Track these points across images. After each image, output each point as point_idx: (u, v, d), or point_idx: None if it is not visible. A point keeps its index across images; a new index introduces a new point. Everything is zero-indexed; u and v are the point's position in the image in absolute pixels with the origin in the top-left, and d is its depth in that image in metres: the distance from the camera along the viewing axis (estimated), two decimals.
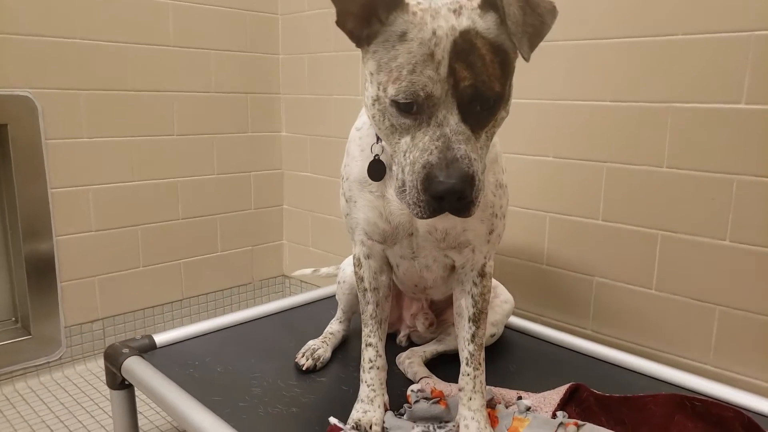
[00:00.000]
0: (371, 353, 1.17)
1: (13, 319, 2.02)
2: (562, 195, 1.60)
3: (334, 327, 1.52)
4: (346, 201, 1.09)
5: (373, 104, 0.84)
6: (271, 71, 2.40)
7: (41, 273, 1.92)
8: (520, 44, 0.77)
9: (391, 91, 0.78)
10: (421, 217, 0.80)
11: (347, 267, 1.46)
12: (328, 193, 2.30)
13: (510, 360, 1.44)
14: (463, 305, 1.10)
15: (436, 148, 0.76)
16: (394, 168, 0.85)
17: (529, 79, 1.61)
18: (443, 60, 0.76)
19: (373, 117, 0.85)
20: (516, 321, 1.63)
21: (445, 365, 1.37)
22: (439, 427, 1.13)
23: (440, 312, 1.45)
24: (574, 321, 1.64)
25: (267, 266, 2.53)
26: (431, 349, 1.43)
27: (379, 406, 1.15)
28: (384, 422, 1.14)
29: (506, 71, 0.81)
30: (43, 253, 1.91)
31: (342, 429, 1.04)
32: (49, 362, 1.96)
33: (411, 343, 1.50)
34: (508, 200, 1.08)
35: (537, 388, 1.25)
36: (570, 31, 1.51)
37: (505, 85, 0.81)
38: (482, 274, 1.09)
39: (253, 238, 2.46)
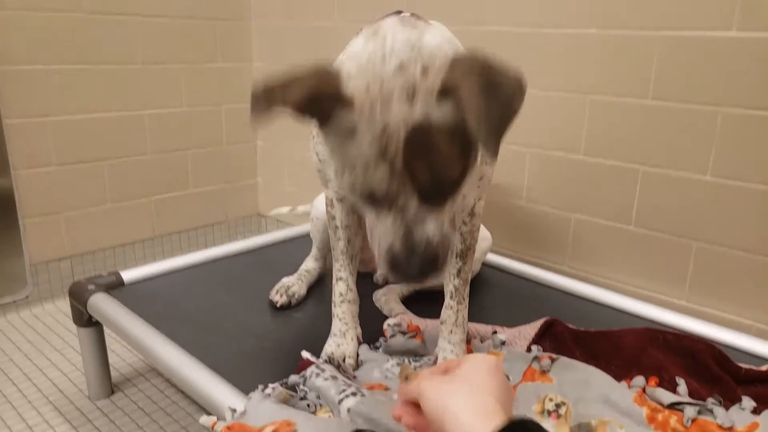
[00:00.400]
0: (342, 287, 1.15)
1: None
2: (544, 130, 1.56)
3: (310, 264, 1.49)
4: (319, 159, 1.06)
5: (336, 174, 0.79)
6: None
7: (1, 208, 1.84)
8: (485, 143, 0.69)
9: (349, 178, 0.75)
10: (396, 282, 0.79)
11: (320, 204, 1.42)
12: (305, 129, 2.21)
13: (486, 296, 1.44)
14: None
15: (395, 234, 0.75)
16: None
17: (504, 5, 1.53)
18: (397, 155, 0.70)
19: (344, 190, 0.80)
20: (493, 258, 1.62)
21: (422, 302, 1.36)
22: (414, 360, 1.12)
23: None
24: (551, 258, 1.63)
25: (241, 204, 2.47)
26: (408, 286, 1.41)
27: (352, 339, 1.14)
28: (359, 355, 1.13)
29: (467, 150, 0.75)
30: (1, 187, 1.83)
31: (315, 363, 1.03)
32: (15, 301, 1.91)
33: (388, 282, 1.48)
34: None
35: (512, 323, 1.25)
36: None
37: (468, 163, 0.76)
38: (472, 214, 1.08)
39: (226, 175, 2.39)
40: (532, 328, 1.21)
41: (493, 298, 1.44)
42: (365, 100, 0.70)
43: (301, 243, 1.72)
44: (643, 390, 0.99)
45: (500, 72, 0.70)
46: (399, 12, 0.91)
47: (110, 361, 1.52)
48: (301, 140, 2.25)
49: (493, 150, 0.68)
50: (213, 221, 2.39)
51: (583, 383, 1.00)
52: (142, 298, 1.38)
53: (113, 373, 1.55)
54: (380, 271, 0.80)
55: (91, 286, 1.39)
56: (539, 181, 1.60)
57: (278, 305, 1.36)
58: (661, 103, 1.35)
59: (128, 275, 1.47)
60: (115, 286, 1.43)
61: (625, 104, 1.40)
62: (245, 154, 2.43)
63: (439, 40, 0.78)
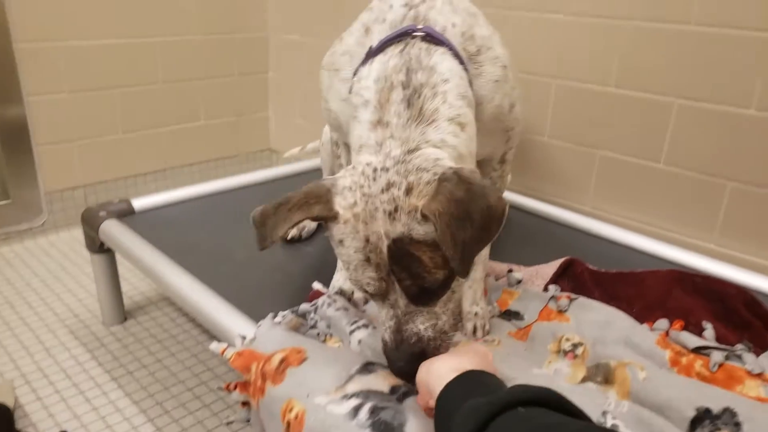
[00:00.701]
0: None
1: None
2: (573, 59, 1.47)
3: None
4: (326, 100, 1.05)
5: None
6: None
7: (15, 135, 1.82)
8: (459, 268, 0.71)
9: (350, 277, 0.79)
10: None
11: (326, 132, 1.38)
12: (318, 60, 2.13)
13: (503, 235, 1.38)
14: None
15: (388, 327, 0.78)
16: None
17: None
18: (382, 263, 0.74)
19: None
20: (512, 197, 1.57)
21: None
22: None
23: None
24: (573, 197, 1.57)
25: (253, 139, 2.43)
26: None
27: None
28: None
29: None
30: (14, 113, 1.80)
31: (326, 293, 1.00)
32: (32, 228, 1.91)
33: None
34: (521, 103, 1.03)
35: (530, 263, 1.21)
36: None
37: (454, 264, 0.73)
38: (502, 161, 1.08)
39: (238, 108, 2.33)
40: (550, 268, 1.17)
41: (511, 237, 1.39)
42: (351, 217, 0.75)
43: (313, 177, 1.67)
44: (667, 333, 0.95)
45: (480, 201, 0.72)
46: (411, 31, 0.86)
47: (123, 289, 1.52)
48: (313, 73, 2.17)
49: (465, 272, 0.72)
50: (224, 155, 2.35)
51: (602, 324, 0.97)
52: (153, 226, 1.36)
53: (126, 302, 1.56)
54: None
55: (102, 213, 1.37)
56: (564, 116, 1.52)
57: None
58: (704, 29, 1.25)
59: (139, 203, 1.45)
60: (125, 214, 1.41)
61: (668, 31, 1.30)
62: (256, 86, 2.37)
63: (443, 132, 0.79)
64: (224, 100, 2.28)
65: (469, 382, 0.67)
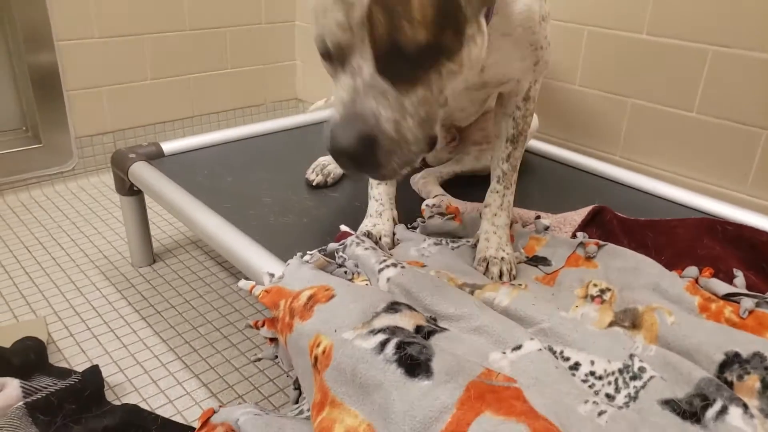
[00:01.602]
0: None
1: (24, 128, 1.97)
2: (605, 4, 1.41)
3: None
4: None
5: None
6: None
7: (46, 81, 1.83)
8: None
9: (314, 32, 0.65)
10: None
11: None
12: None
13: (531, 183, 1.38)
14: (503, 127, 1.04)
15: (341, 101, 0.64)
16: None
17: None
18: (357, 2, 0.60)
19: None
20: (539, 145, 1.54)
21: (462, 186, 1.31)
22: (452, 241, 1.10)
23: (460, 129, 1.36)
24: (602, 146, 1.54)
25: (280, 87, 2.41)
26: (448, 169, 1.37)
27: (388, 219, 1.12)
28: (395, 234, 1.11)
29: (445, 18, 0.63)
30: (45, 59, 1.81)
31: (353, 234, 1.01)
32: (62, 172, 1.95)
33: (426, 165, 1.44)
34: (550, 26, 0.97)
35: (558, 210, 1.20)
36: None
37: (443, 34, 0.63)
38: (526, 98, 1.02)
39: (265, 57, 2.31)
40: (578, 215, 1.15)
41: (539, 185, 1.38)
42: None
43: None
44: (696, 280, 0.94)
45: None
46: None
47: (152, 233, 1.55)
48: None
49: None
50: (252, 103, 2.34)
51: (630, 270, 0.96)
52: (182, 169, 1.38)
53: (154, 245, 1.59)
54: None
55: (131, 155, 1.39)
56: (596, 63, 1.48)
57: (314, 183, 1.33)
58: None
59: (168, 146, 1.46)
60: (155, 156, 1.42)
61: None
62: (283, 34, 2.33)
63: None
64: (251, 48, 2.26)
65: None
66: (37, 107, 1.84)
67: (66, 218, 1.76)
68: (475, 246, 1.07)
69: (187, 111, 2.17)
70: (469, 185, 1.32)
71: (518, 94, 1.02)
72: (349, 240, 0.97)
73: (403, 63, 0.63)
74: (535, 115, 1.35)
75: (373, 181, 1.14)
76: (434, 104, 0.69)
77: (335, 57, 0.65)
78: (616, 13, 1.40)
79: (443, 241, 1.09)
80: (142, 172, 1.33)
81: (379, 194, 1.13)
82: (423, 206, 1.17)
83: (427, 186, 1.30)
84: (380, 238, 1.07)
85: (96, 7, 1.85)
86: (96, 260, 1.55)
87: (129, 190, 1.41)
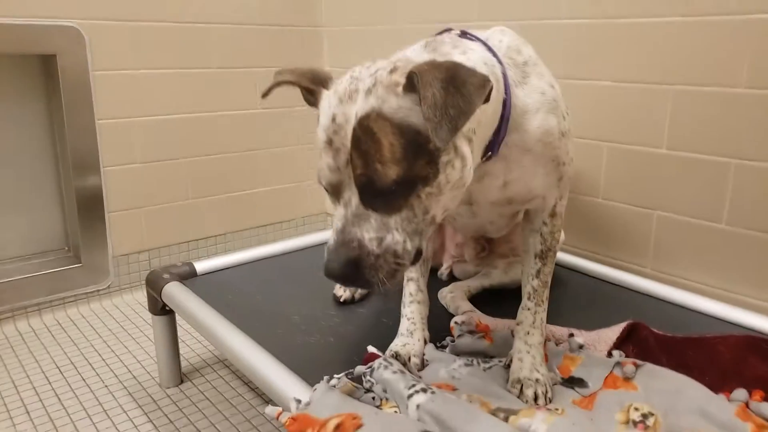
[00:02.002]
0: (412, 287, 1.14)
1: (66, 248, 2.06)
2: (622, 122, 1.46)
3: None
4: None
5: None
6: (314, 2, 2.29)
7: (90, 203, 1.94)
8: (436, 131, 0.66)
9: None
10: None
11: None
12: None
13: (561, 298, 1.36)
14: (531, 243, 1.05)
15: (335, 229, 0.75)
16: None
17: None
18: (342, 148, 0.72)
19: None
20: (567, 258, 1.53)
21: (491, 302, 1.30)
22: (484, 362, 1.07)
23: (490, 240, 1.37)
24: (631, 259, 1.53)
25: (309, 203, 2.49)
26: (476, 283, 1.36)
27: (419, 340, 1.10)
28: (424, 354, 1.09)
29: (416, 152, 0.72)
30: (91, 183, 1.92)
31: (380, 356, 0.99)
32: (98, 290, 2.00)
33: (453, 278, 1.44)
34: (573, 142, 1.01)
35: (591, 327, 1.17)
36: None
37: (413, 167, 0.72)
38: (553, 215, 1.03)
39: (295, 175, 2.42)
40: (613, 332, 1.12)
41: (569, 300, 1.36)
42: (331, 94, 0.76)
43: None
44: (746, 404, 0.89)
45: (464, 69, 0.71)
46: (449, 30, 0.91)
47: (181, 351, 1.55)
48: None
49: (442, 140, 0.67)
50: (282, 219, 2.42)
51: (674, 393, 0.92)
52: (213, 288, 1.40)
53: (183, 363, 1.58)
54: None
55: (166, 275, 1.42)
56: (617, 177, 1.50)
57: (341, 300, 1.34)
58: (757, 92, 1.23)
59: (201, 266, 1.50)
60: (188, 276, 1.46)
61: (714, 94, 1.29)
62: (312, 154, 2.45)
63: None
64: (284, 167, 2.37)
65: None
66: (79, 228, 1.93)
67: (99, 337, 1.78)
68: (508, 366, 1.04)
69: (221, 228, 2.24)
70: (499, 300, 1.31)
71: (544, 210, 1.03)
72: (376, 363, 0.96)
73: (383, 195, 0.73)
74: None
75: (405, 299, 1.14)
76: (420, 222, 0.77)
77: (331, 192, 0.77)
78: (635, 128, 1.44)
79: (474, 361, 1.06)
80: (174, 292, 1.36)
81: (411, 313, 1.13)
82: (452, 323, 1.16)
83: (456, 301, 1.29)
84: (409, 359, 1.05)
85: (140, 136, 1.99)
86: (125, 380, 1.55)
87: (161, 309, 1.43)
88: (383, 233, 0.73)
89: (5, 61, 1.84)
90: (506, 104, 0.86)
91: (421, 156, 0.72)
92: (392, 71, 0.73)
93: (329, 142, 0.73)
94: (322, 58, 2.36)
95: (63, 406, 1.44)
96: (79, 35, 1.81)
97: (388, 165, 0.70)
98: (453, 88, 0.67)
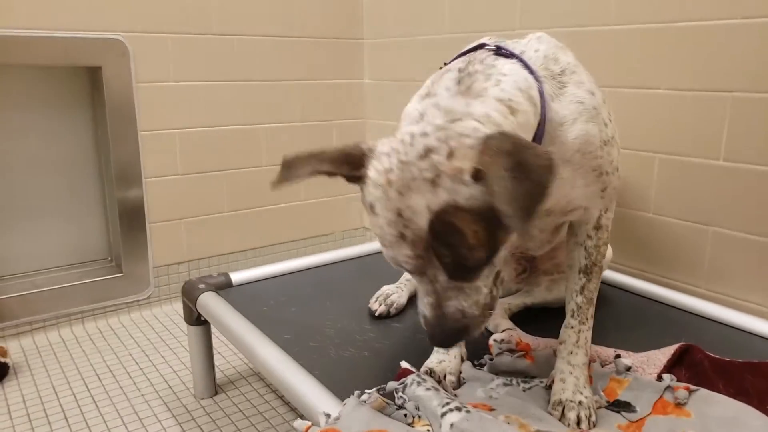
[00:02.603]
0: None
1: (108, 258, 2.10)
2: (675, 132, 1.39)
3: None
4: None
5: None
6: (355, 15, 2.30)
7: (132, 214, 1.97)
8: (513, 221, 0.64)
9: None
10: None
11: None
12: None
13: (608, 317, 1.29)
14: (575, 257, 1.00)
15: (429, 303, 0.75)
16: None
17: (630, 1, 1.40)
18: (418, 240, 0.70)
19: None
20: (615, 276, 1.46)
21: (533, 320, 1.25)
22: (524, 382, 1.02)
23: (532, 259, 1.31)
24: (684, 278, 1.44)
25: (348, 217, 2.48)
26: (518, 301, 1.31)
27: (455, 357, 1.06)
28: (461, 372, 1.04)
29: (497, 227, 0.70)
30: (133, 194, 1.96)
31: (414, 372, 0.96)
32: (138, 300, 2.02)
33: None
34: (618, 151, 0.96)
35: (639, 348, 1.10)
36: None
37: (496, 240, 0.72)
38: (597, 227, 0.99)
39: (336, 189, 2.41)
40: (663, 354, 1.05)
41: (616, 319, 1.29)
42: (384, 183, 0.71)
43: None
44: None
45: (529, 152, 0.66)
46: (483, 45, 0.88)
47: (216, 363, 1.54)
48: None
49: (521, 227, 0.65)
50: (320, 233, 2.41)
51: (729, 421, 0.85)
52: (249, 299, 1.39)
53: (218, 375, 1.57)
54: None
55: (201, 285, 1.42)
56: (669, 190, 1.43)
57: (376, 314, 1.31)
58: None
59: (237, 277, 1.49)
60: (223, 287, 1.46)
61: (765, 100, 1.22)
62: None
63: (489, 107, 0.76)
64: (323, 181, 2.35)
65: None
66: (121, 239, 1.96)
67: (137, 346, 1.80)
68: (549, 387, 0.99)
69: (260, 241, 2.25)
70: (541, 319, 1.26)
71: (588, 222, 0.98)
72: (409, 379, 0.92)
73: (469, 272, 0.74)
74: (609, 245, 1.30)
75: None
76: (498, 266, 0.78)
77: (412, 272, 0.75)
78: (688, 140, 1.37)
79: (514, 381, 1.01)
80: (209, 302, 1.35)
81: None
82: (491, 341, 1.11)
83: (496, 318, 1.24)
84: (444, 377, 1.01)
85: (181, 146, 2.02)
86: (160, 390, 1.55)
87: (197, 320, 1.43)
88: (476, 296, 0.75)
89: (53, 73, 1.90)
90: (542, 120, 0.83)
91: (501, 227, 0.71)
92: (450, 156, 0.68)
93: (401, 237, 0.71)
94: (363, 70, 2.36)
95: (100, 413, 1.45)
96: (123, 48, 1.85)
97: (476, 249, 0.70)
98: (523, 176, 0.64)
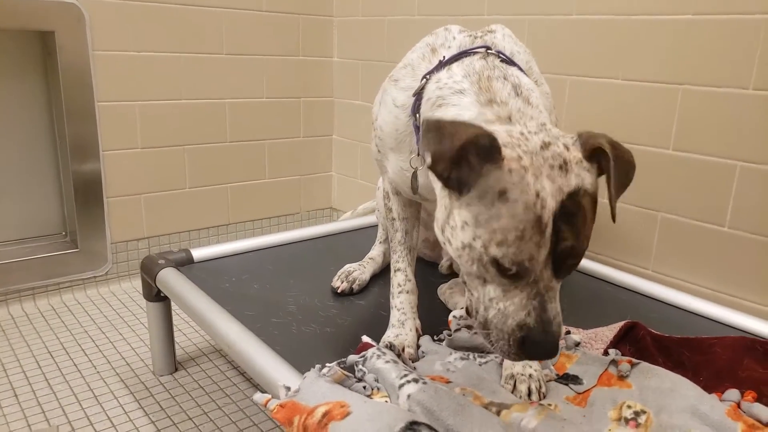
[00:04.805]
0: (400, 278, 1.14)
1: (63, 233, 2.05)
2: (630, 121, 1.45)
3: (375, 251, 1.46)
4: (378, 150, 1.08)
5: (463, 248, 0.75)
6: None
7: (89, 188, 1.92)
8: (613, 203, 0.76)
9: (496, 252, 0.71)
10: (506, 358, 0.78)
11: (380, 187, 1.41)
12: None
13: (562, 297, 1.34)
14: None
15: (533, 308, 0.72)
16: (469, 288, 0.80)
17: None
18: (548, 222, 0.69)
19: (459, 257, 0.77)
20: None
21: None
22: (480, 356, 1.06)
23: None
24: (633, 260, 1.51)
25: (315, 197, 2.48)
26: None
27: (410, 330, 1.10)
28: (420, 346, 1.08)
29: (595, 217, 0.77)
30: (90, 167, 1.91)
31: (374, 345, 0.98)
32: (95, 277, 1.99)
33: (453, 273, 1.43)
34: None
35: (589, 326, 1.16)
36: None
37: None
38: None
39: (302, 168, 2.41)
40: (610, 331, 1.11)
41: (568, 299, 1.34)
42: (519, 167, 0.70)
43: (369, 233, 1.69)
44: (738, 405, 0.87)
45: (621, 146, 0.76)
46: (486, 48, 0.92)
47: (177, 340, 1.54)
48: None
49: (615, 214, 0.77)
50: (287, 212, 2.41)
51: (666, 392, 0.90)
52: (210, 276, 1.39)
53: (178, 352, 1.57)
54: (495, 350, 0.78)
55: (161, 261, 1.41)
56: None
57: (339, 290, 1.33)
58: (764, 93, 1.22)
59: (198, 253, 1.49)
60: (184, 263, 1.45)
61: (724, 95, 1.28)
62: (321, 147, 2.44)
63: (544, 117, 0.83)
64: (289, 159, 2.36)
65: None
66: (77, 213, 1.92)
67: (93, 323, 1.77)
68: (502, 362, 1.03)
69: (223, 219, 2.23)
70: None
71: None
72: (369, 352, 0.95)
73: (573, 261, 0.74)
74: None
75: (394, 290, 1.13)
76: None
77: (526, 272, 0.71)
78: (643, 128, 1.43)
79: (470, 356, 1.05)
80: (169, 278, 1.35)
81: (401, 303, 1.12)
82: (450, 317, 1.15)
83: (454, 297, 1.28)
84: (403, 350, 1.04)
85: (142, 119, 1.97)
86: (118, 367, 1.54)
87: (156, 296, 1.42)
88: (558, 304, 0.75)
89: (1, 36, 1.82)
90: None
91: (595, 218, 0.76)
92: (566, 148, 0.73)
93: (538, 220, 0.69)
94: (332, 48, 2.35)
95: (53, 390, 1.43)
96: (79, 12, 1.78)
97: (588, 238, 0.73)
98: (621, 167, 0.74)
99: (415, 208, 1.15)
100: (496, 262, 0.71)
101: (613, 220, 0.79)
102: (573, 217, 0.70)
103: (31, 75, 1.90)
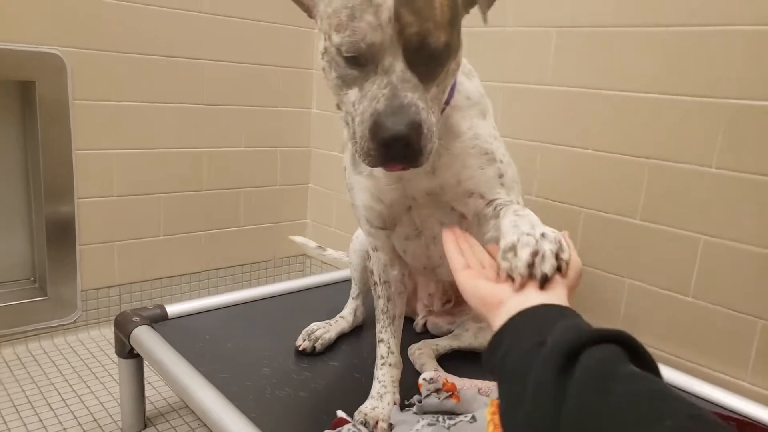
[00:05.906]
0: (383, 349, 1.14)
1: (32, 279, 2.02)
2: (600, 190, 1.51)
3: (346, 310, 1.48)
4: (348, 190, 1.08)
5: (322, 57, 0.79)
6: (305, 46, 2.34)
7: (61, 234, 1.90)
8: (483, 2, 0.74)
9: (336, 39, 0.72)
10: (373, 166, 0.75)
11: (356, 239, 1.43)
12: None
13: None
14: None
15: (383, 96, 0.70)
16: (347, 122, 0.79)
17: (566, 65, 1.52)
18: (384, 4, 0.68)
19: (323, 70, 0.81)
20: None
21: (459, 362, 1.31)
22: (449, 419, 1.07)
23: (458, 294, 1.38)
24: (601, 322, 1.55)
25: (289, 245, 2.47)
26: (445, 343, 1.37)
27: (388, 403, 1.11)
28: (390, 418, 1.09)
29: (455, 20, 0.74)
30: (63, 214, 1.89)
31: (349, 422, 0.99)
32: (63, 325, 1.95)
33: (427, 332, 1.45)
34: (504, 150, 1.00)
35: None
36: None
37: (452, 35, 0.74)
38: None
39: (277, 215, 2.42)
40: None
41: None
42: None
43: (344, 287, 1.71)
44: None
45: None
46: None
47: (147, 394, 1.51)
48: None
49: (486, 11, 0.73)
50: (259, 259, 2.40)
51: None
52: (184, 334, 1.39)
53: (148, 407, 1.55)
54: (364, 160, 0.74)
55: (136, 318, 1.40)
56: (592, 243, 1.54)
57: (300, 349, 1.34)
58: (726, 173, 1.29)
59: (173, 309, 1.48)
60: (158, 319, 1.44)
61: (688, 171, 1.35)
62: (297, 195, 2.46)
63: None
64: (264, 207, 2.37)
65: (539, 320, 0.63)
66: (48, 259, 1.89)
67: (60, 375, 1.73)
68: (474, 420, 1.04)
69: (196, 266, 2.22)
70: (466, 360, 1.32)
71: (488, 214, 0.94)
72: (345, 429, 0.96)
73: (427, 62, 0.71)
74: None
75: (378, 362, 1.14)
76: (441, 102, 0.78)
77: (368, 57, 0.71)
78: (612, 197, 1.49)
79: (439, 419, 1.07)
80: (143, 337, 1.34)
81: (383, 376, 1.13)
82: (420, 380, 1.16)
83: (422, 358, 1.30)
84: (377, 423, 1.05)
85: (119, 168, 1.97)
86: (85, 423, 1.51)
87: (129, 353, 1.41)
88: (426, 103, 0.71)
89: None
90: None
91: (456, 25, 0.73)
92: None
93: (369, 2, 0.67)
94: (311, 99, 2.39)
95: None
96: (61, 63, 1.79)
97: (440, 27, 0.69)
98: None
99: (398, 270, 1.13)
100: (339, 52, 0.72)
101: (484, 20, 0.76)
102: (414, 0, 0.68)
103: (8, 121, 1.89)
